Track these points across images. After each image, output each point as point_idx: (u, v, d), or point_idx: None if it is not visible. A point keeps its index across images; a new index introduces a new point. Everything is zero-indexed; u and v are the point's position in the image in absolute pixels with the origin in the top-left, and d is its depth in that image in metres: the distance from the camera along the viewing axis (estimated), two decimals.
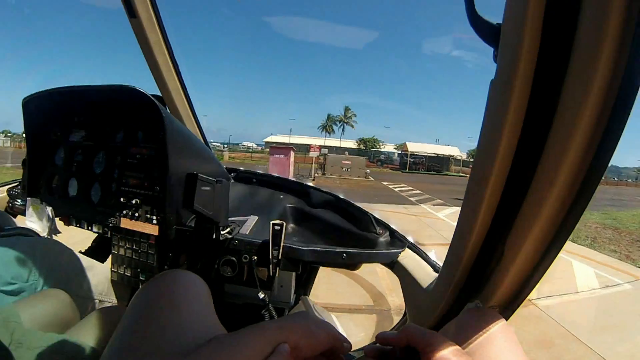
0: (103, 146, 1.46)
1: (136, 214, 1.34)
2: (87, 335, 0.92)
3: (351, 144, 73.07)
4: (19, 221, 1.66)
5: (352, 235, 1.48)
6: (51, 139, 1.55)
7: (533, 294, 4.12)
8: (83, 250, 1.62)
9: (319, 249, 1.33)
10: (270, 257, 1.25)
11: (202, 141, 1.97)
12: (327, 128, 76.77)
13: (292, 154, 23.29)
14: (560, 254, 0.66)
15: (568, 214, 0.62)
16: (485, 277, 0.81)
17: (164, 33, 1.55)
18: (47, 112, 1.50)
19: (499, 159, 0.63)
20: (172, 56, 1.64)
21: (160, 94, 1.70)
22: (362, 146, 70.98)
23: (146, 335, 0.56)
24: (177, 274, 0.72)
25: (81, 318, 1.12)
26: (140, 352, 0.54)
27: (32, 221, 1.53)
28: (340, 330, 1.68)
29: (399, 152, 67.85)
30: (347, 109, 76.35)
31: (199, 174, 1.16)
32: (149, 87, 1.31)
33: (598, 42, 0.47)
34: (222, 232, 1.27)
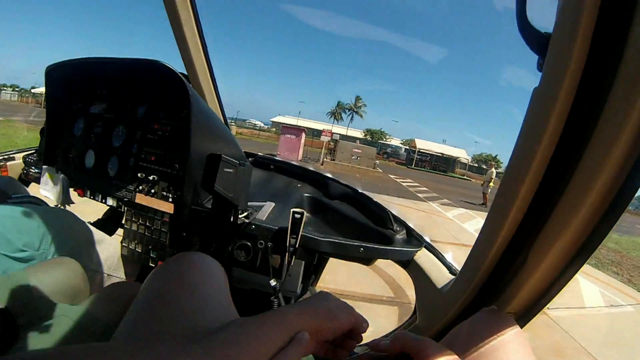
0: (124, 120, 1.45)
1: (152, 191, 1.34)
2: (100, 308, 0.91)
3: (358, 133, 72.89)
4: (33, 189, 1.66)
5: (369, 230, 1.46)
6: (72, 109, 1.54)
7: None
8: (93, 222, 1.62)
9: (336, 240, 1.31)
10: (288, 245, 1.24)
11: (223, 122, 1.97)
12: (336, 115, 76.58)
13: (303, 135, 23.36)
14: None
15: (594, 232, 0.61)
16: (504, 283, 0.81)
17: (196, 11, 1.53)
18: (70, 82, 1.50)
19: (534, 167, 0.63)
20: (201, 35, 1.62)
21: (186, 73, 1.69)
22: (368, 137, 70.79)
23: (163, 315, 0.56)
24: (196, 256, 0.72)
25: (90, 290, 1.12)
26: (157, 331, 0.54)
27: (46, 190, 1.53)
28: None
29: (406, 147, 67.68)
30: (357, 98, 76.09)
31: (223, 155, 1.14)
32: (174, 64, 1.30)
33: None
34: (239, 216, 1.26)
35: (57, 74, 1.45)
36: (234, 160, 1.17)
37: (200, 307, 0.58)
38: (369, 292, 3.94)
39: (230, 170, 1.16)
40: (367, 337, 1.59)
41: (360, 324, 0.64)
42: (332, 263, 1.44)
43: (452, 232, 9.17)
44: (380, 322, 3.23)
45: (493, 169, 16.09)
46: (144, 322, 0.57)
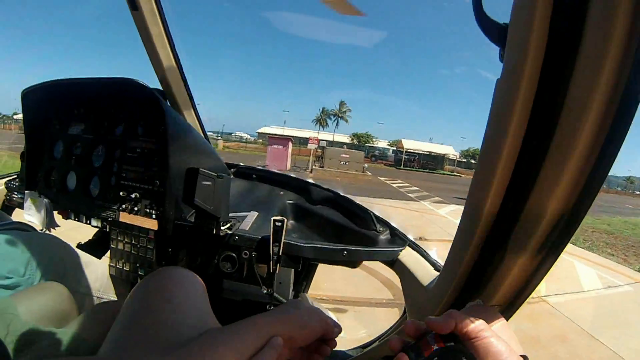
0: (102, 139, 1.45)
1: (135, 208, 1.34)
2: (86, 329, 0.91)
3: (345, 138, 72.98)
4: (17, 215, 1.65)
5: (353, 233, 1.47)
6: (50, 131, 1.54)
7: (543, 291, 4.20)
8: (81, 244, 1.61)
9: (319, 245, 1.32)
10: (271, 253, 1.24)
11: (202, 135, 1.97)
12: (321, 121, 76.60)
13: (290, 145, 23.41)
14: (563, 255, 0.67)
15: (570, 217, 0.62)
16: (487, 276, 0.81)
17: (166, 25, 1.53)
18: (46, 105, 1.50)
19: (503, 158, 0.63)
20: (173, 49, 1.61)
21: (161, 88, 1.69)
22: (355, 141, 70.88)
23: (142, 330, 0.57)
24: (173, 271, 0.72)
25: (79, 313, 1.11)
26: (136, 345, 0.54)
27: (30, 214, 1.52)
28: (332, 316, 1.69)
29: (394, 148, 67.91)
30: (342, 103, 76.21)
31: (200, 169, 1.15)
32: (150, 81, 1.30)
33: (604, 45, 0.47)
34: (222, 228, 1.26)
35: (33, 97, 1.45)
36: (212, 173, 1.18)
37: (179, 320, 0.59)
38: (368, 296, 3.94)
39: (209, 182, 1.17)
40: (368, 339, 1.60)
41: (332, 330, 0.64)
42: (329, 269, 1.45)
43: (446, 229, 9.21)
44: (381, 325, 3.22)
45: None
46: (125, 337, 0.58)
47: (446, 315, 0.60)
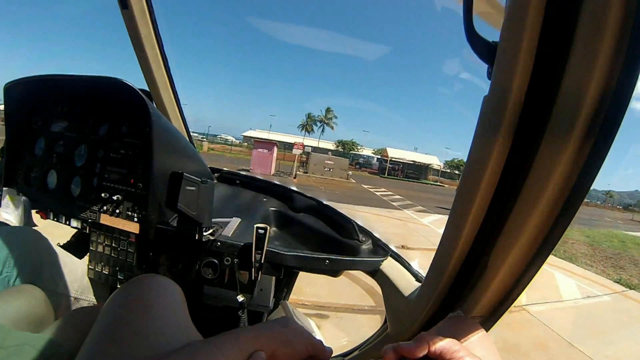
0: (86, 138, 1.42)
1: (117, 211, 1.32)
2: (63, 334, 0.89)
3: (330, 145, 73.01)
4: None
5: (335, 242, 1.47)
6: (32, 127, 1.50)
7: (523, 301, 4.26)
8: (62, 244, 1.58)
9: (301, 254, 1.32)
10: (253, 260, 1.24)
11: (187, 138, 1.96)
12: (307, 127, 76.53)
13: (275, 149, 23.42)
14: (543, 266, 0.68)
15: (551, 230, 0.63)
16: (468, 288, 0.82)
17: (156, 26, 1.52)
18: (29, 100, 1.46)
19: (488, 173, 0.64)
20: (162, 50, 1.61)
21: (147, 89, 1.67)
22: (340, 148, 71.06)
23: (119, 340, 0.57)
24: (152, 279, 0.72)
25: (56, 316, 1.09)
26: (112, 356, 0.54)
27: (7, 212, 1.48)
28: (319, 336, 1.68)
29: (378, 156, 68.28)
30: (328, 110, 76.26)
31: (185, 173, 1.14)
32: (136, 81, 1.29)
33: (590, 67, 0.49)
34: (204, 234, 1.26)
35: (16, 91, 1.41)
36: (196, 178, 1.17)
37: (157, 330, 0.59)
38: (350, 303, 3.96)
39: (193, 188, 1.16)
40: (349, 347, 1.60)
41: (322, 353, 0.62)
42: (311, 275, 1.45)
43: (429, 237, 9.29)
44: (364, 332, 3.23)
45: None
46: (101, 348, 0.57)
47: (418, 339, 0.60)
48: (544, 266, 0.68)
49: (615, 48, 0.47)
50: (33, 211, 1.48)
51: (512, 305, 0.81)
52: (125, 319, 0.61)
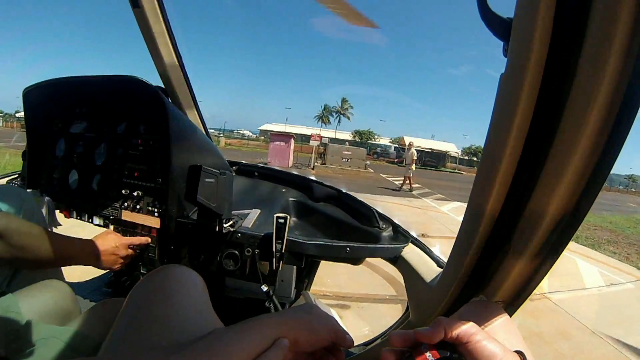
0: (104, 137, 1.45)
1: (138, 206, 1.35)
2: (89, 326, 0.92)
3: (347, 135, 72.55)
4: None
5: (355, 230, 1.47)
6: (52, 130, 1.54)
7: (545, 288, 4.18)
8: None
9: (322, 242, 1.32)
10: (274, 250, 1.24)
11: (204, 133, 1.98)
12: (323, 118, 76.37)
13: (292, 141, 23.39)
14: (565, 253, 0.66)
15: (572, 215, 0.61)
16: (490, 273, 0.80)
17: (168, 23, 1.53)
18: (48, 103, 1.49)
19: (507, 154, 0.63)
20: (175, 47, 1.61)
21: (162, 85, 1.69)
22: (357, 138, 70.60)
23: (141, 327, 0.58)
24: (172, 269, 0.73)
25: (80, 312, 1.12)
26: (136, 344, 0.55)
27: None
28: (341, 324, 1.69)
29: (396, 145, 67.71)
30: (344, 100, 75.99)
31: (203, 166, 1.15)
32: (151, 78, 1.30)
33: (609, 39, 0.47)
34: (224, 225, 1.27)
35: (35, 96, 1.44)
36: (215, 170, 1.18)
37: (177, 318, 0.59)
38: (371, 292, 3.92)
39: (212, 180, 1.17)
40: (371, 336, 1.60)
41: (344, 340, 0.62)
42: (332, 265, 1.45)
43: (448, 226, 9.18)
44: (385, 321, 3.22)
45: (413, 149, 16.17)
46: (127, 336, 0.58)
47: (435, 324, 0.59)
48: (566, 253, 0.67)
49: (636, 14, 0.45)
50: (57, 211, 1.51)
51: (534, 291, 0.79)
52: (147, 307, 0.62)
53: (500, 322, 0.71)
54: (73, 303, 1.12)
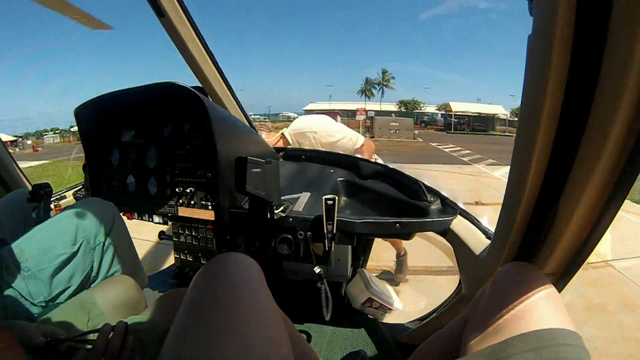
0: (153, 142, 1.54)
1: (192, 202, 1.41)
2: (158, 315, 1.00)
3: (392, 106, 70.88)
4: None
5: (404, 205, 1.45)
6: (105, 141, 1.65)
7: (608, 255, 3.86)
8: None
9: (372, 220, 1.32)
10: (325, 231, 1.26)
11: (247, 124, 2.04)
12: (366, 92, 74.92)
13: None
14: (627, 216, 0.62)
15: (623, 171, 0.57)
16: (539, 242, 0.77)
17: (194, 24, 1.58)
18: (97, 118, 1.60)
19: (545, 115, 0.59)
20: (205, 45, 1.67)
21: (200, 85, 1.75)
22: (402, 108, 68.96)
23: (201, 312, 0.63)
24: (228, 256, 0.77)
25: (146, 304, 1.21)
26: (196, 328, 0.61)
27: None
28: (397, 301, 1.71)
29: (442, 112, 65.77)
30: (384, 71, 73.86)
31: (248, 157, 1.19)
32: (189, 80, 1.35)
33: None
34: (276, 211, 1.30)
35: (85, 113, 1.55)
36: (260, 160, 1.21)
37: (235, 300, 0.65)
38: (429, 265, 3.89)
39: (258, 169, 1.20)
40: (428, 309, 1.61)
41: None
42: (388, 240, 1.45)
43: (502, 191, 8.85)
44: (443, 294, 3.17)
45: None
46: (189, 317, 0.65)
47: None
48: (629, 216, 0.62)
49: None
50: (120, 214, 1.61)
51: (586, 260, 0.75)
52: (206, 292, 0.67)
53: (544, 295, 0.66)
54: (140, 296, 1.22)
